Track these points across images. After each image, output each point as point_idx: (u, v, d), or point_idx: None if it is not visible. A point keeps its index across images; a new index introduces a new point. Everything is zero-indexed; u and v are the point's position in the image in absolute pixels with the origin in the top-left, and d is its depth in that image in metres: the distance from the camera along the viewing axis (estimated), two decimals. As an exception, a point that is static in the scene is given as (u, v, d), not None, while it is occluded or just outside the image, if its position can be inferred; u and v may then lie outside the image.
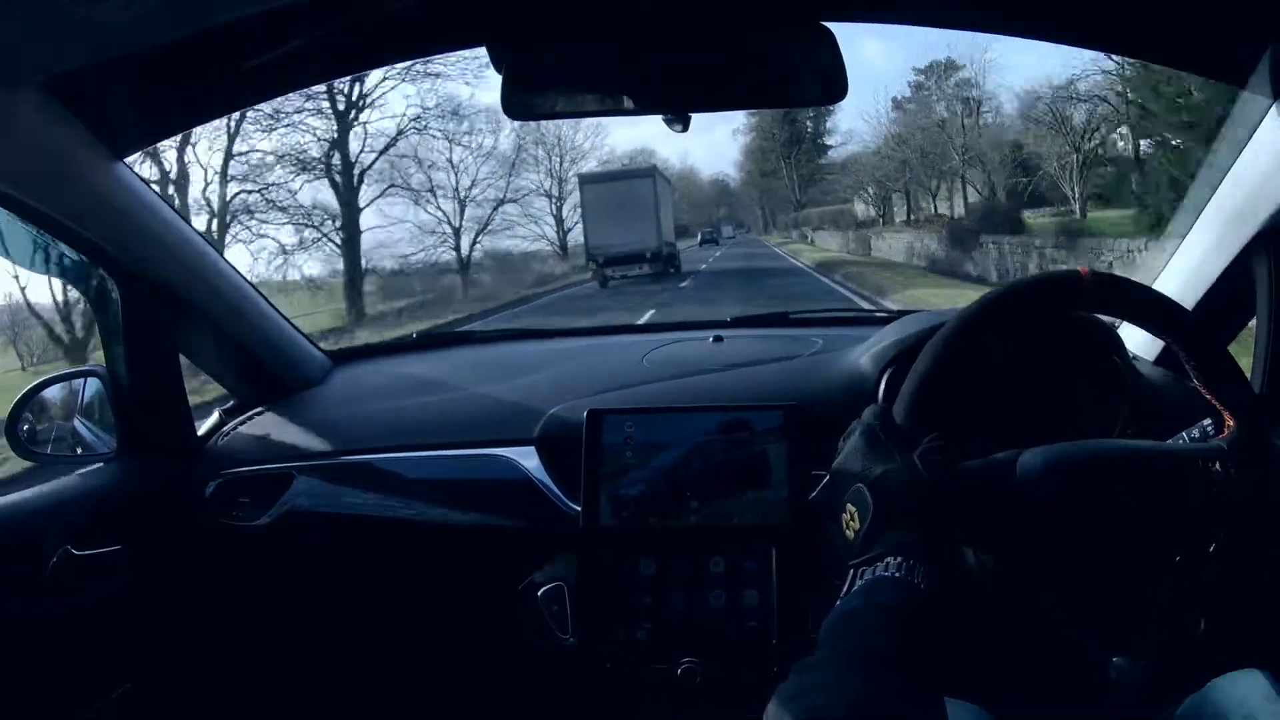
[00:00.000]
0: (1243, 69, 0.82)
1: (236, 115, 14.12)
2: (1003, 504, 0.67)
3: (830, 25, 0.82)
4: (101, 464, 1.04)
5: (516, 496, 1.00)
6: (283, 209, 16.78)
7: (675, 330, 1.38)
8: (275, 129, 16.63)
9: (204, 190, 15.85)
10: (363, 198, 18.01)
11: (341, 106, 17.36)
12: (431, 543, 1.07)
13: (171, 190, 14.38)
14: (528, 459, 1.01)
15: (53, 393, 1.08)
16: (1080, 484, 0.67)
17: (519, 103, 0.87)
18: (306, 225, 17.12)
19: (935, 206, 22.03)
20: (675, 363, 1.18)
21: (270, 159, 16.74)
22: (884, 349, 1.01)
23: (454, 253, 21.14)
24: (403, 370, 1.31)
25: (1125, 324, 1.00)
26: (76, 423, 1.10)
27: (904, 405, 0.69)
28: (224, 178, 15.83)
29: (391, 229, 19.68)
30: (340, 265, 17.47)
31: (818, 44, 0.82)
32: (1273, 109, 0.84)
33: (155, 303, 1.02)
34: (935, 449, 0.66)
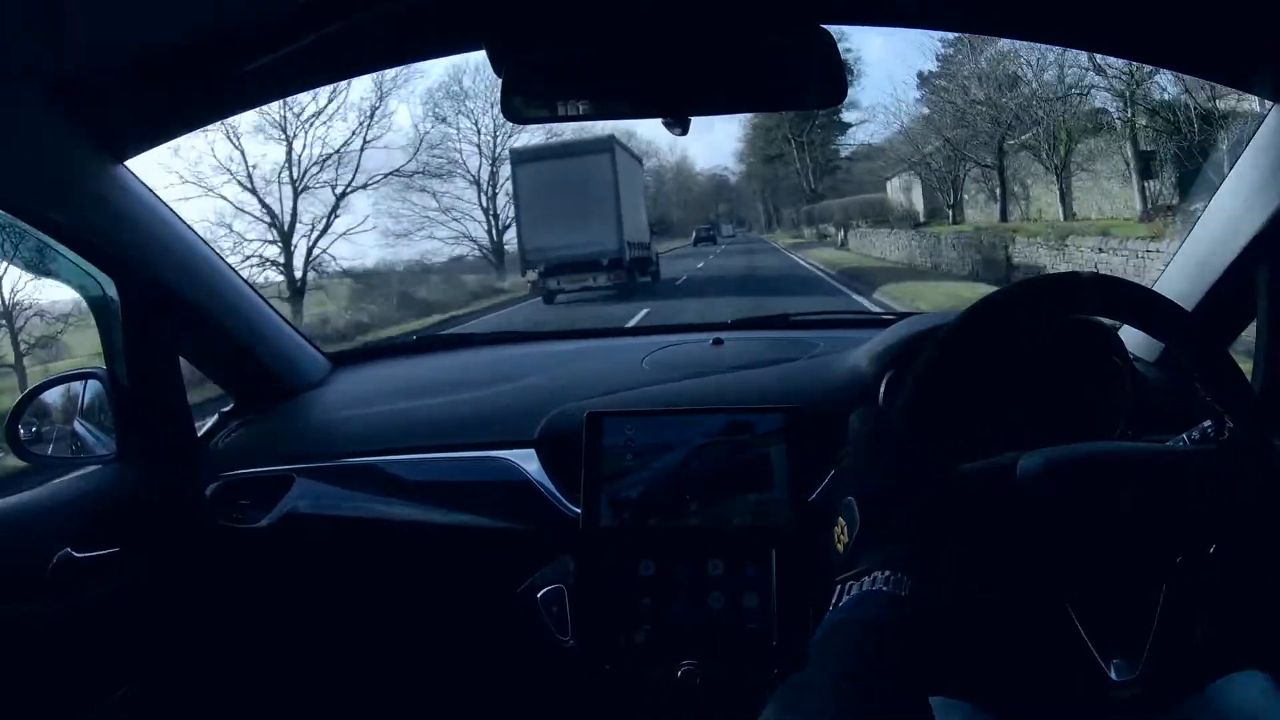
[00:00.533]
0: (1243, 70, 0.82)
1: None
2: (1004, 506, 0.67)
3: (828, 27, 0.82)
4: (101, 466, 1.04)
5: (516, 498, 1.00)
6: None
7: (675, 332, 1.39)
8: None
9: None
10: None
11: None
12: (431, 545, 1.07)
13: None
14: (528, 461, 1.01)
15: (53, 395, 1.08)
16: (1081, 486, 0.67)
17: (518, 105, 0.87)
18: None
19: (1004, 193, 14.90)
20: (675, 365, 1.18)
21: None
22: (884, 351, 1.01)
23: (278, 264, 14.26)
24: (403, 372, 1.31)
25: (1125, 325, 0.99)
26: (76, 425, 1.10)
27: (903, 409, 0.69)
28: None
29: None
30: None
31: (816, 47, 0.82)
32: (1273, 110, 0.84)
33: (155, 305, 1.02)
34: (932, 454, 0.66)
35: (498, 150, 18.76)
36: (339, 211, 15.58)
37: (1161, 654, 0.72)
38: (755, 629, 0.92)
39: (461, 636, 1.11)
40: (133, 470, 1.05)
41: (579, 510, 0.94)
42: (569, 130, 16.93)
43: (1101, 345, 0.95)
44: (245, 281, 1.15)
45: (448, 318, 13.03)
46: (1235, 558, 0.70)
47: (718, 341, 1.26)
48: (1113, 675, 0.71)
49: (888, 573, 0.57)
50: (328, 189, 15.46)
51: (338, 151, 15.55)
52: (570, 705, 1.03)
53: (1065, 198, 13.33)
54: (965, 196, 16.93)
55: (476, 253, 19.36)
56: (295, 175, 15.10)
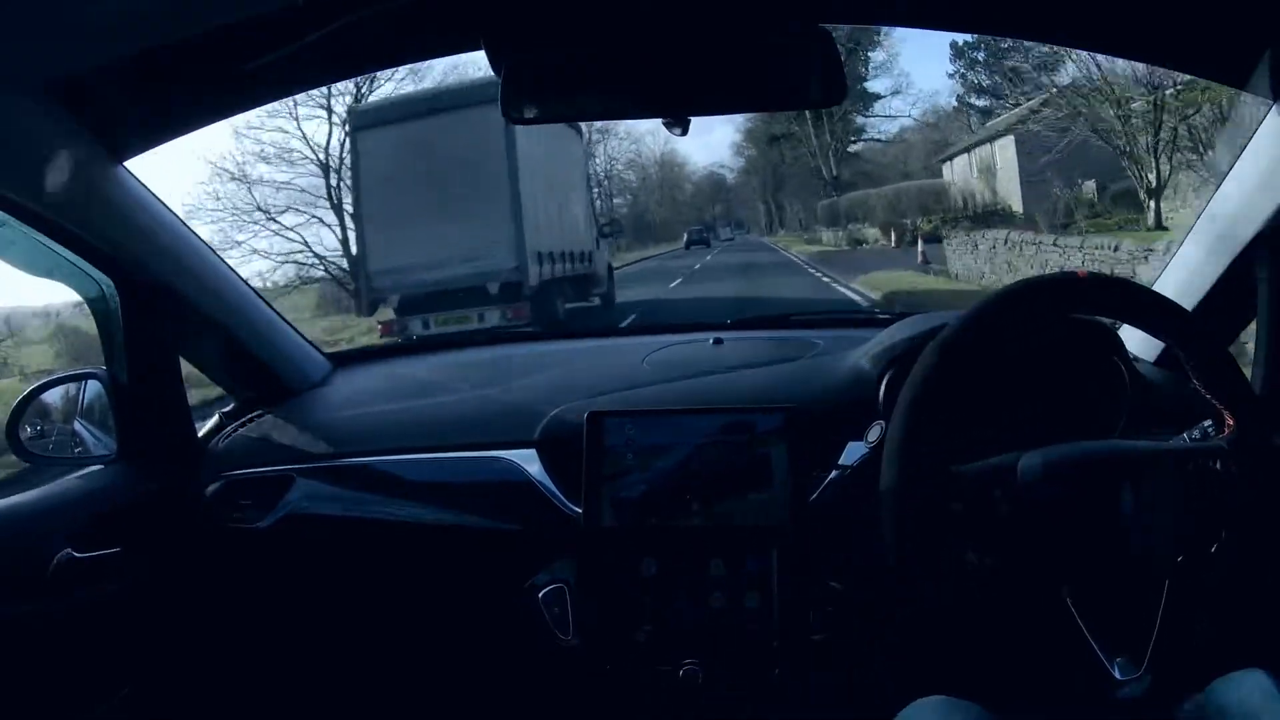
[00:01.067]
0: (1243, 70, 0.82)
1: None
2: (1004, 506, 0.67)
3: (828, 27, 0.82)
4: (102, 466, 1.04)
5: (517, 498, 1.00)
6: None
7: (675, 333, 1.38)
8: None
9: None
10: None
11: None
12: (432, 544, 1.07)
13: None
14: (529, 461, 1.01)
15: (53, 395, 1.08)
16: (1081, 485, 0.67)
17: (518, 105, 0.87)
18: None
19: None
20: (676, 365, 1.18)
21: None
22: (885, 351, 1.01)
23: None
24: (403, 372, 1.31)
25: (1125, 325, 1.00)
26: (77, 425, 1.10)
27: (903, 409, 0.69)
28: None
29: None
30: None
31: (816, 46, 0.82)
32: (1273, 110, 0.84)
33: (155, 305, 1.02)
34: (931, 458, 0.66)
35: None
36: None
37: (1164, 653, 0.72)
38: (756, 628, 0.92)
39: (463, 636, 1.11)
40: (133, 470, 1.05)
41: (580, 510, 0.94)
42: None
43: (1101, 345, 0.95)
44: (244, 281, 1.15)
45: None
46: (1236, 556, 0.70)
47: (718, 341, 1.26)
48: (1116, 674, 0.71)
49: None
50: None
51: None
52: (572, 705, 1.03)
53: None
54: (1111, 186, 10.99)
55: (326, 274, 11.83)
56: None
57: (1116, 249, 7.34)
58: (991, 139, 15.84)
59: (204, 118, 0.98)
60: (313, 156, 12.80)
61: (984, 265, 9.84)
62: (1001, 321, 0.70)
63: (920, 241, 13.13)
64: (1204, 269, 0.97)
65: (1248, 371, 0.86)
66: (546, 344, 1.44)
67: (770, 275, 13.35)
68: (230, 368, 1.19)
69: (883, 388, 0.97)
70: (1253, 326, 0.96)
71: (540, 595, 0.96)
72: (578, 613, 0.94)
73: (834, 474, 0.93)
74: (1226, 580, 0.72)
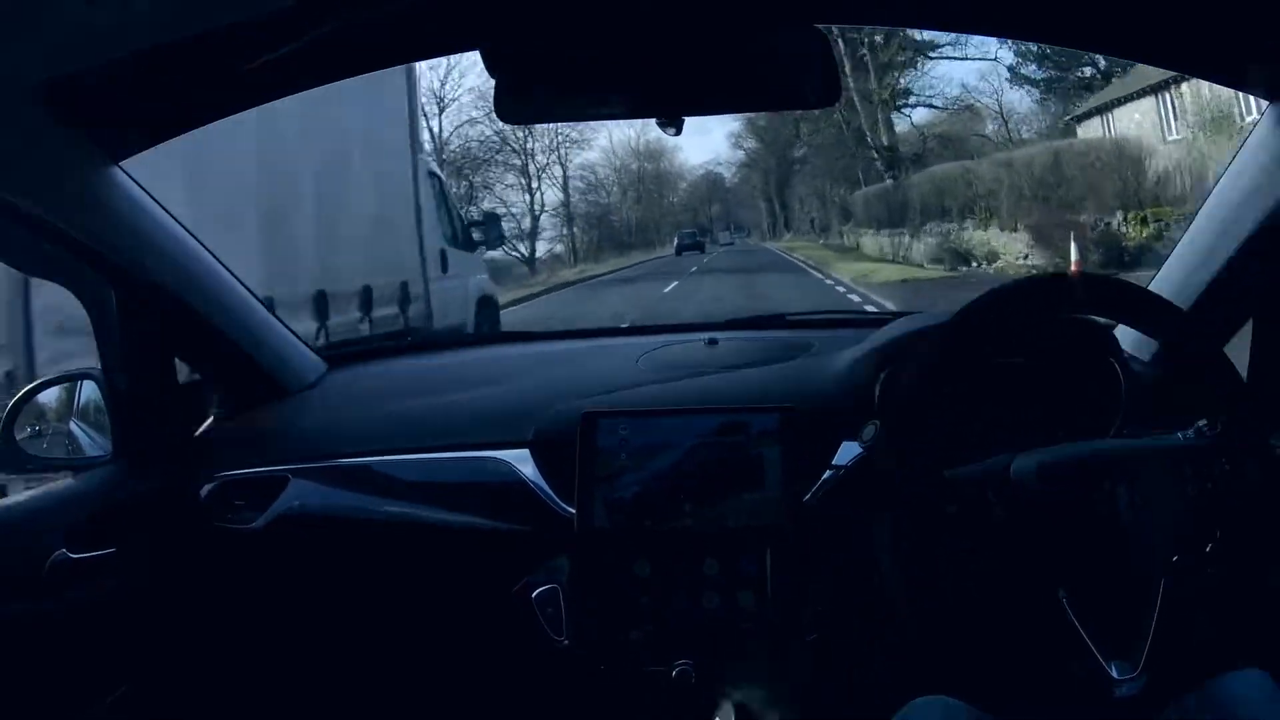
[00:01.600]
0: (1239, 69, 0.82)
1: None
2: (998, 508, 0.67)
3: (822, 27, 0.83)
4: (97, 467, 1.04)
5: (511, 499, 1.00)
6: None
7: (670, 333, 1.38)
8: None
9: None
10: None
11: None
12: (426, 545, 1.07)
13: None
14: (522, 462, 1.01)
15: (48, 396, 1.08)
16: (1075, 486, 0.67)
17: (514, 106, 0.87)
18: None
19: None
20: (670, 365, 1.17)
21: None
22: (880, 351, 1.01)
23: None
24: (397, 372, 1.31)
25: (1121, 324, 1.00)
26: (72, 425, 1.10)
27: (898, 409, 0.69)
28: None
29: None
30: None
31: (811, 46, 0.82)
32: (1269, 109, 0.84)
33: (150, 306, 1.02)
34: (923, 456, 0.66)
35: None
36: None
37: (1161, 652, 0.72)
38: (750, 628, 0.92)
39: (457, 637, 1.11)
40: (128, 471, 1.04)
41: (574, 510, 0.94)
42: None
43: (1097, 344, 0.95)
44: (240, 282, 1.15)
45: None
46: (1232, 555, 0.70)
47: (713, 341, 1.26)
48: (1113, 674, 0.71)
49: None
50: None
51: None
52: (566, 705, 1.03)
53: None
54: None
55: None
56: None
57: None
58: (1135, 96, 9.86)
59: (201, 119, 0.98)
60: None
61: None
62: (998, 321, 0.70)
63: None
64: (1200, 268, 0.97)
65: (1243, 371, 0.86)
66: (541, 344, 1.44)
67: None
68: (225, 368, 1.19)
69: (877, 388, 0.97)
70: (1248, 325, 0.96)
71: (534, 596, 0.96)
72: (572, 613, 0.94)
73: (829, 474, 0.93)
74: (1223, 579, 0.72)
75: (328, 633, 1.14)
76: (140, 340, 1.03)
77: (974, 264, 10.94)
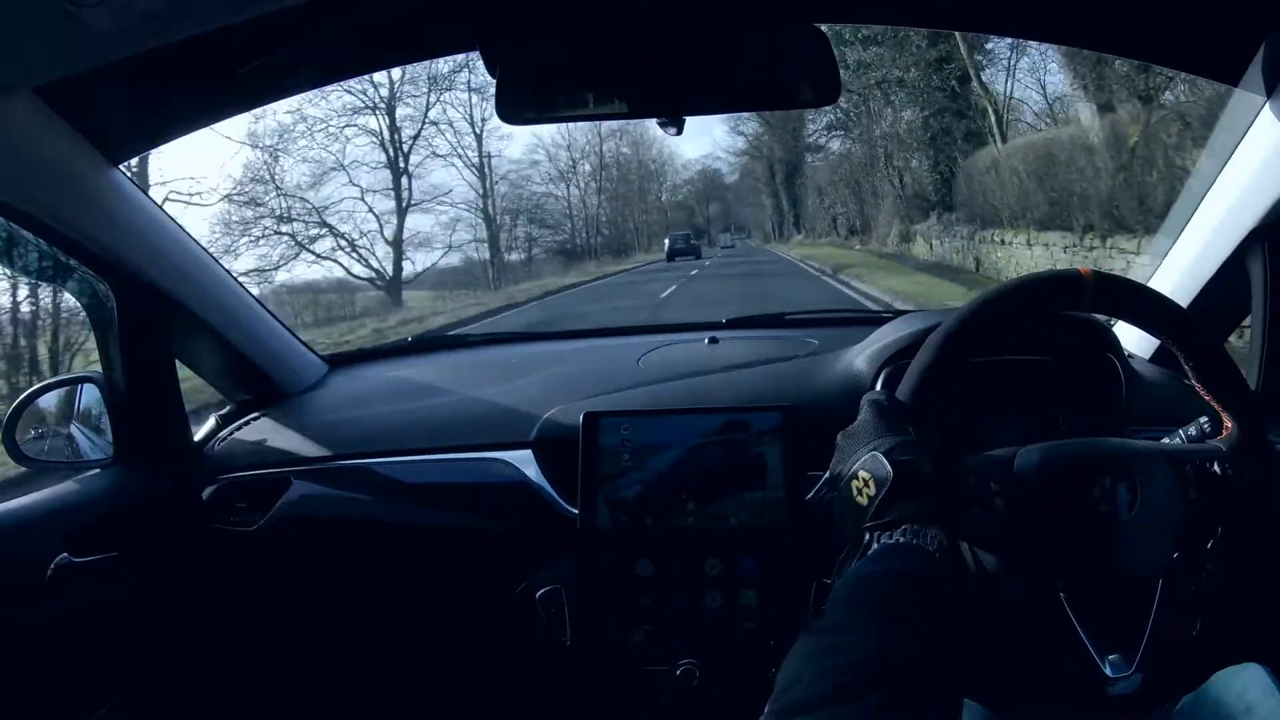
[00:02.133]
0: (1237, 64, 0.82)
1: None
2: (1000, 501, 0.67)
3: (822, 26, 0.83)
4: (98, 470, 1.04)
5: (513, 500, 1.00)
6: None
7: (670, 332, 1.38)
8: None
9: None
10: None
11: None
12: (428, 546, 1.07)
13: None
14: (525, 462, 1.01)
15: (49, 399, 1.08)
16: (1077, 482, 0.67)
17: (513, 106, 0.87)
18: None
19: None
20: (671, 365, 1.18)
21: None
22: (881, 349, 1.01)
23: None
24: (398, 374, 1.31)
25: (1120, 322, 1.00)
26: (73, 429, 1.10)
27: (905, 394, 0.69)
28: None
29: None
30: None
31: (811, 45, 0.82)
32: (1266, 105, 0.84)
33: (151, 308, 1.02)
34: (937, 433, 0.66)
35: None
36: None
37: (1158, 650, 0.72)
38: (753, 627, 0.92)
39: (459, 638, 1.11)
40: (130, 474, 1.05)
41: (576, 511, 0.94)
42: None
43: (1098, 342, 0.95)
44: (240, 284, 1.15)
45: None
46: (1232, 553, 0.70)
47: (713, 341, 1.26)
48: (1108, 671, 0.71)
49: (914, 526, 0.57)
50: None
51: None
52: (569, 705, 1.03)
53: None
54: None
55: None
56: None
57: None
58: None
59: (200, 121, 0.98)
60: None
61: None
62: (999, 319, 0.69)
63: None
64: (1199, 265, 0.97)
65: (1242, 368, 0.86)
66: (542, 344, 1.44)
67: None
68: (226, 370, 1.19)
69: (879, 386, 0.97)
70: (1246, 322, 0.96)
71: (537, 596, 0.96)
72: (574, 613, 0.94)
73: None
74: (1222, 577, 0.72)
75: (330, 634, 1.14)
76: (141, 343, 1.03)
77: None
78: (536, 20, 0.84)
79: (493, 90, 0.84)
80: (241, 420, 1.19)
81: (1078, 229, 8.18)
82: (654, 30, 0.84)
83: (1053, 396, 0.94)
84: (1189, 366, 0.69)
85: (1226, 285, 0.95)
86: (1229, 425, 0.69)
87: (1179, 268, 1.00)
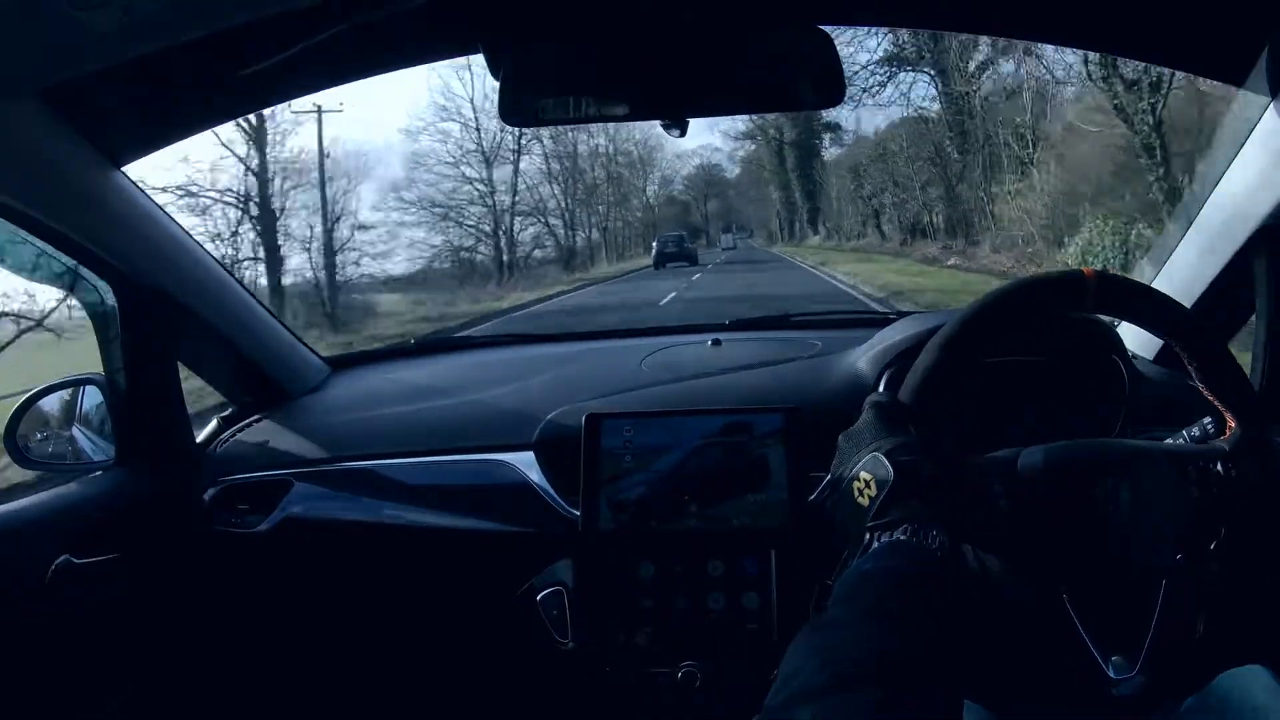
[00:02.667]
0: (1240, 66, 0.82)
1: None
2: (1004, 501, 0.67)
3: (826, 28, 0.83)
4: (100, 472, 1.04)
5: (515, 501, 1.00)
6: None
7: (673, 334, 1.38)
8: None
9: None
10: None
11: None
12: (430, 548, 1.07)
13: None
14: (527, 464, 1.01)
15: (51, 401, 1.08)
16: (1081, 483, 0.67)
17: (517, 108, 0.87)
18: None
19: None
20: (674, 366, 1.17)
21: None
22: (884, 350, 1.01)
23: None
24: (401, 376, 1.31)
25: (1124, 322, 1.00)
26: (75, 431, 1.10)
27: (908, 395, 0.69)
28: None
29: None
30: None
31: (814, 47, 0.82)
32: (1271, 106, 0.84)
33: (153, 310, 1.02)
34: (940, 434, 0.66)
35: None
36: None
37: (1160, 651, 0.71)
38: (755, 629, 0.91)
39: (461, 640, 1.11)
40: (132, 476, 1.05)
41: (578, 512, 0.94)
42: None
43: (1101, 342, 0.95)
44: (242, 286, 1.15)
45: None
46: (1235, 554, 0.70)
47: (716, 342, 1.26)
48: (1110, 672, 0.71)
49: (915, 525, 0.57)
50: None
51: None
52: (570, 708, 1.03)
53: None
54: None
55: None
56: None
57: None
58: None
59: (202, 123, 0.98)
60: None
61: None
62: (1003, 320, 0.69)
63: None
64: (1202, 266, 0.97)
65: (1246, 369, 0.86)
66: (544, 346, 1.44)
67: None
68: (228, 372, 1.19)
69: (882, 387, 0.97)
70: (1252, 322, 0.96)
71: (538, 598, 0.96)
72: (576, 615, 0.94)
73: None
74: (1225, 578, 0.72)
75: (332, 636, 1.14)
76: (142, 345, 1.03)
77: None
78: (540, 22, 0.84)
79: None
80: (243, 422, 1.19)
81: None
82: (657, 32, 0.84)
83: (1056, 397, 0.93)
84: (1192, 367, 0.69)
85: (1230, 286, 0.95)
86: (1232, 426, 0.69)
87: (1183, 268, 1.00)
